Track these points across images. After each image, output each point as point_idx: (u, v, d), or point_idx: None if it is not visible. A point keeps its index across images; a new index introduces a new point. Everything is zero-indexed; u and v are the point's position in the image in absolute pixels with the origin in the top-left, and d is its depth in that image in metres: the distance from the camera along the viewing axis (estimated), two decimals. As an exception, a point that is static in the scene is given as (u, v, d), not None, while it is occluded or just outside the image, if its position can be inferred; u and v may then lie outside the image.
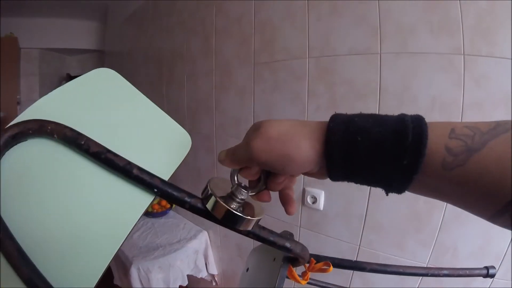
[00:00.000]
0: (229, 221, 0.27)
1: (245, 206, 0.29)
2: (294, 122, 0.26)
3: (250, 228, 0.28)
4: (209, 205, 0.27)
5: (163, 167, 0.30)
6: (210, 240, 1.78)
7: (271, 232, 0.31)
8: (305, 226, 1.25)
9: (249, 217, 0.27)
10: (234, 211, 0.27)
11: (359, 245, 1.10)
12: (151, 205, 0.31)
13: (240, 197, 0.28)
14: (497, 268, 0.89)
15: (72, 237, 0.24)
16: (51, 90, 0.30)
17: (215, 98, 1.54)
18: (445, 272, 0.49)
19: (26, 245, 0.22)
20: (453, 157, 0.19)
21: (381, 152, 0.21)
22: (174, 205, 1.92)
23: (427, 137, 0.20)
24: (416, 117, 0.22)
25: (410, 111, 0.23)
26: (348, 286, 1.14)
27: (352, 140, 0.22)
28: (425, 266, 0.98)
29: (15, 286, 0.22)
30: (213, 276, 1.89)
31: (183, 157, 0.32)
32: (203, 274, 1.74)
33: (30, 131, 0.25)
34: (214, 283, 1.88)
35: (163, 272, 1.53)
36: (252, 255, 0.46)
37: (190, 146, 0.33)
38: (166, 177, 0.29)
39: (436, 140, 0.20)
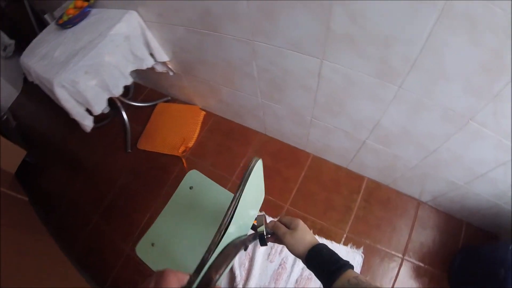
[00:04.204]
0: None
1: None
2: (308, 241, 0.61)
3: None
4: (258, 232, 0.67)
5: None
6: (144, 21, 1.36)
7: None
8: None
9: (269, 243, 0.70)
10: (265, 239, 0.67)
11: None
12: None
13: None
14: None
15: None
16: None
17: None
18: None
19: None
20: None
21: (322, 275, 0.55)
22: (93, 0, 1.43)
23: (335, 280, 0.51)
24: (346, 267, 0.52)
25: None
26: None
27: (317, 265, 0.57)
28: None
29: None
30: (165, 63, 1.58)
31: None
32: (148, 64, 1.46)
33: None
34: (171, 73, 1.64)
35: (94, 77, 1.29)
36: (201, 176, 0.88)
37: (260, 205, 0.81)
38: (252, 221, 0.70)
39: (342, 281, 0.51)
